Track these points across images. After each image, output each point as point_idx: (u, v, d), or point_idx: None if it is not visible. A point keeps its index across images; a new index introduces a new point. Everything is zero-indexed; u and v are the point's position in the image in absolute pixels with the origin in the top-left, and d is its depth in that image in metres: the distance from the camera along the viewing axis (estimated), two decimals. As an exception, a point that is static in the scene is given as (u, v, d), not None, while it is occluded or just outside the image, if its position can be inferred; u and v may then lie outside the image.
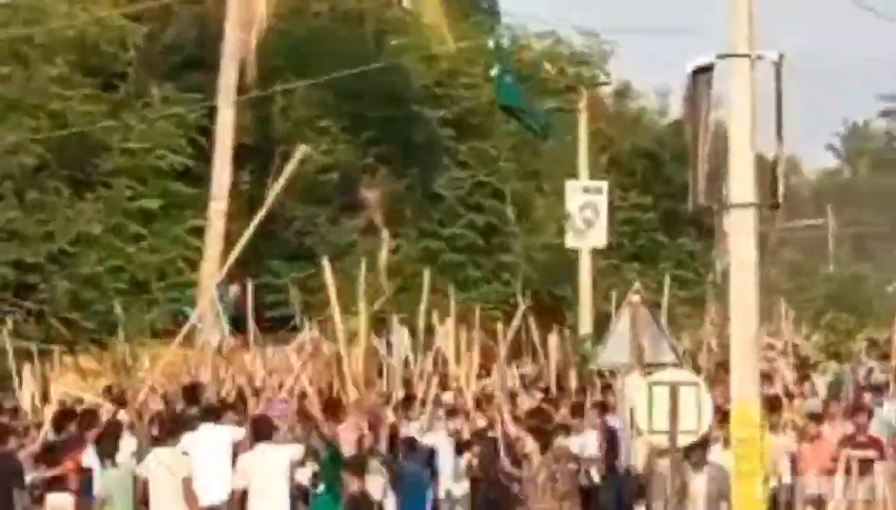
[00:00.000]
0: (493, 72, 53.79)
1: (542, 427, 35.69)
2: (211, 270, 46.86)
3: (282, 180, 42.51)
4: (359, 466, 29.51)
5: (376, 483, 32.10)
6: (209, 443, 33.47)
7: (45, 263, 45.25)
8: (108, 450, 31.32)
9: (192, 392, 38.38)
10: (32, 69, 46.64)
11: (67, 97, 46.96)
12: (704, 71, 31.14)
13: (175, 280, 48.61)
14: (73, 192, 46.64)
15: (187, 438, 32.88)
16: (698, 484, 31.59)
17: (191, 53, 50.96)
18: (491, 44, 53.45)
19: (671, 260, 59.37)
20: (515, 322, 47.28)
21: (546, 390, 46.31)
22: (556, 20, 76.75)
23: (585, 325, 54.50)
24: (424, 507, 35.74)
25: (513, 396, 43.59)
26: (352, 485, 28.84)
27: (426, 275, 50.28)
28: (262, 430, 32.82)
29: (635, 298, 40.30)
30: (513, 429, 36.75)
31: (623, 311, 38.57)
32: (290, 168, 42.11)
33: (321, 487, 32.05)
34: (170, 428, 33.40)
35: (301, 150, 43.83)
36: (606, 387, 44.11)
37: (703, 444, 32.37)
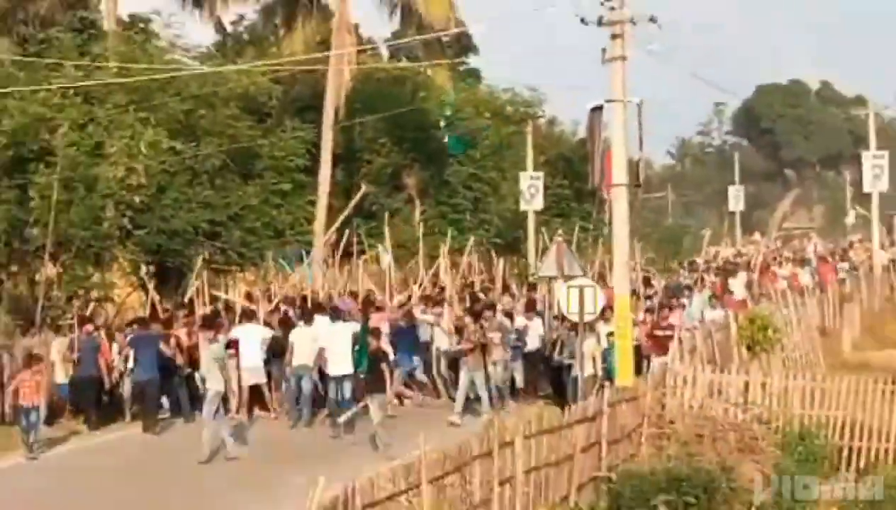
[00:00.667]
0: (445, 140, 56.56)
1: (473, 308, 37.17)
2: (320, 226, 47.54)
3: (356, 198, 43.82)
4: (377, 333, 30.93)
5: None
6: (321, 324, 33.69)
7: (226, 221, 45.04)
8: (209, 331, 31.53)
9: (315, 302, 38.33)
10: (217, 111, 46.82)
11: (238, 127, 47.21)
12: (598, 109, 32.01)
13: (300, 230, 48.78)
14: (242, 180, 46.62)
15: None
16: (588, 342, 32.94)
17: (307, 102, 51.37)
18: (442, 122, 55.60)
19: (579, 217, 59.58)
20: (467, 252, 48.71)
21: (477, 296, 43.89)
22: (514, 80, 76.93)
23: (531, 255, 54.69)
24: (412, 350, 36.07)
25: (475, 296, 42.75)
26: (373, 343, 30.41)
27: (419, 227, 51.75)
28: (336, 315, 33.87)
29: (559, 239, 40.93)
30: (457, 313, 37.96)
31: (552, 246, 38.97)
32: (357, 196, 44.10)
33: (356, 346, 32.21)
34: (307, 316, 34.08)
35: (363, 188, 45.95)
36: (531, 289, 44.33)
37: (592, 322, 33.38)
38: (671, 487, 21.27)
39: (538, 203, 56.19)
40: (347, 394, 31.72)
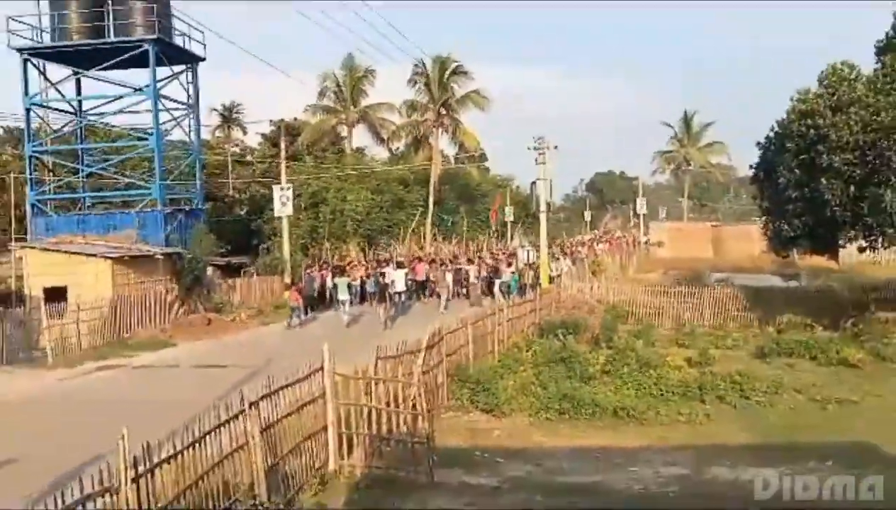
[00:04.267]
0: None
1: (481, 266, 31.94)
2: (428, 229, 46.05)
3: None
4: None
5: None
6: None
7: (393, 226, 43.94)
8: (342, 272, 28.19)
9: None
10: (389, 184, 45.80)
11: (397, 190, 45.98)
12: (534, 182, 31.50)
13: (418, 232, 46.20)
14: (399, 210, 44.82)
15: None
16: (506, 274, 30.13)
17: (423, 180, 47.87)
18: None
19: (528, 224, 58.02)
20: (484, 240, 47.03)
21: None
22: (501, 169, 75.02)
23: (508, 238, 53.41)
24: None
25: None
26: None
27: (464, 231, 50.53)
28: (400, 265, 29.66)
29: (518, 232, 40.51)
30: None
31: (517, 234, 38.55)
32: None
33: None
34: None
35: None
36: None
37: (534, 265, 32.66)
38: (563, 326, 21.06)
39: (511, 218, 55.04)
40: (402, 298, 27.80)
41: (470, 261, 33.55)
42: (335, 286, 26.52)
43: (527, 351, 18.79)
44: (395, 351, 12.31)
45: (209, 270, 28.44)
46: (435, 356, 14.03)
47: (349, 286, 26.07)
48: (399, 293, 27.44)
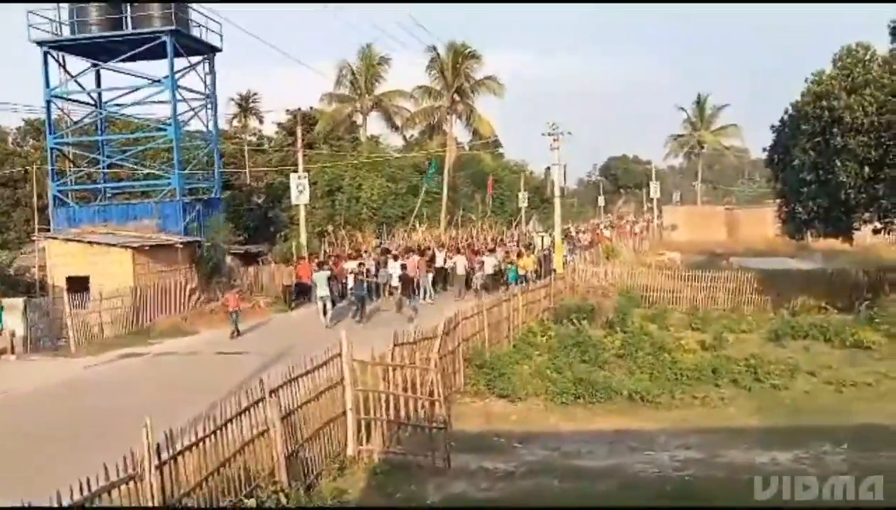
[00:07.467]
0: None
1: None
2: (443, 214, 45.83)
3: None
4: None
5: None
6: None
7: (408, 213, 43.31)
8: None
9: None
10: (404, 171, 45.43)
11: (412, 177, 45.39)
12: (549, 168, 31.55)
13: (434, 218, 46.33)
14: (414, 197, 43.37)
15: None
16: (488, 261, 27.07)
17: (439, 167, 48.06)
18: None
19: (541, 208, 57.69)
20: (490, 225, 46.82)
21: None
22: (515, 155, 74.11)
23: (523, 223, 53.11)
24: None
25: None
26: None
27: (480, 216, 50.27)
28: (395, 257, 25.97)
29: (534, 219, 40.25)
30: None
31: (532, 220, 38.20)
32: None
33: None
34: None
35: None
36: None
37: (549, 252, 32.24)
38: (577, 311, 21.00)
39: (525, 204, 54.75)
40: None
41: (458, 249, 30.38)
42: (313, 281, 22.74)
43: (542, 336, 18.73)
44: (412, 337, 12.34)
45: (228, 259, 28.45)
46: (451, 342, 14.04)
47: (330, 280, 22.42)
48: (395, 288, 23.87)
